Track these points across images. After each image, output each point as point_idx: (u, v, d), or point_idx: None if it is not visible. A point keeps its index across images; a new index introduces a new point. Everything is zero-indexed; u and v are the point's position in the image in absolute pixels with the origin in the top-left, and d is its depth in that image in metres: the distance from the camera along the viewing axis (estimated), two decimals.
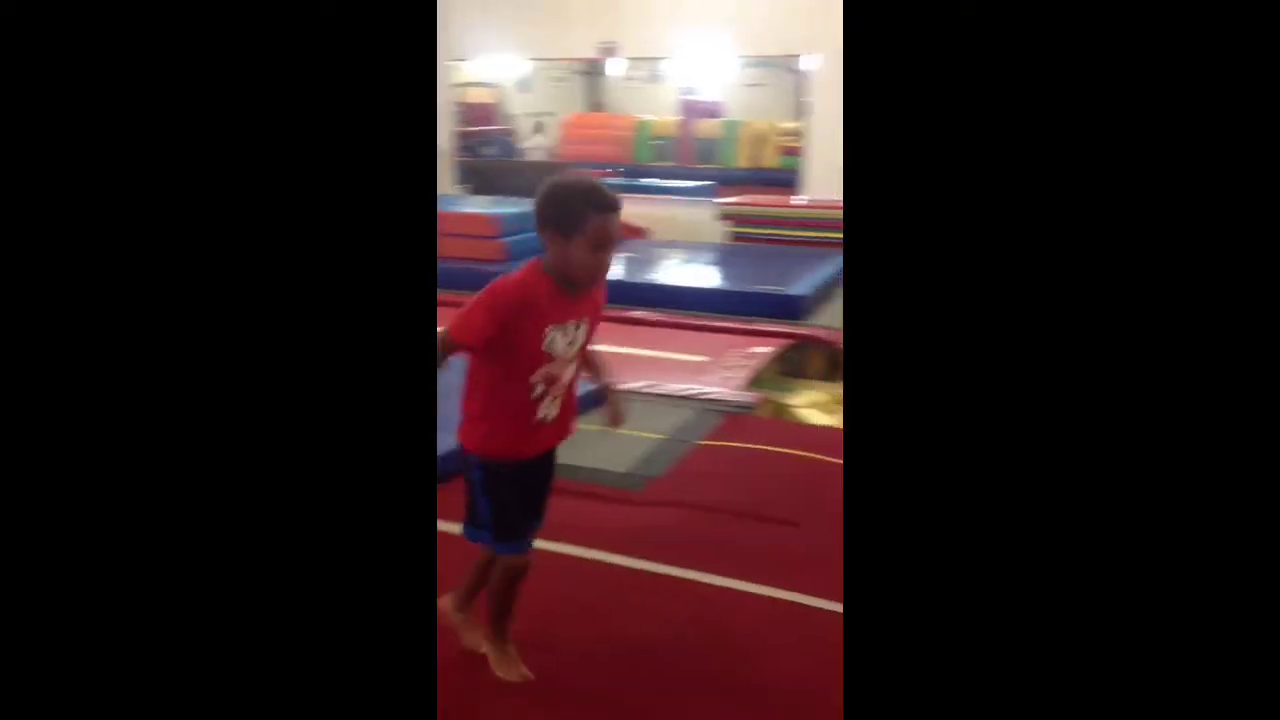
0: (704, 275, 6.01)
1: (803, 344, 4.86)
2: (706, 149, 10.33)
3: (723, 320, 4.91)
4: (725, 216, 7.51)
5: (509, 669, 1.84)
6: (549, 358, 1.62)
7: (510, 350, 1.59)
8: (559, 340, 1.62)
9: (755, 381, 4.07)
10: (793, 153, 8.30)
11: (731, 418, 3.56)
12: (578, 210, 1.55)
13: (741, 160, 10.00)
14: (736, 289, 5.51)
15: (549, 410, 1.68)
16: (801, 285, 5.33)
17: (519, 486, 1.71)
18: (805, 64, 7.63)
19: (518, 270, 1.62)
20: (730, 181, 8.77)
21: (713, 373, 4.04)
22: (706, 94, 10.92)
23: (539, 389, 1.64)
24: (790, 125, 8.80)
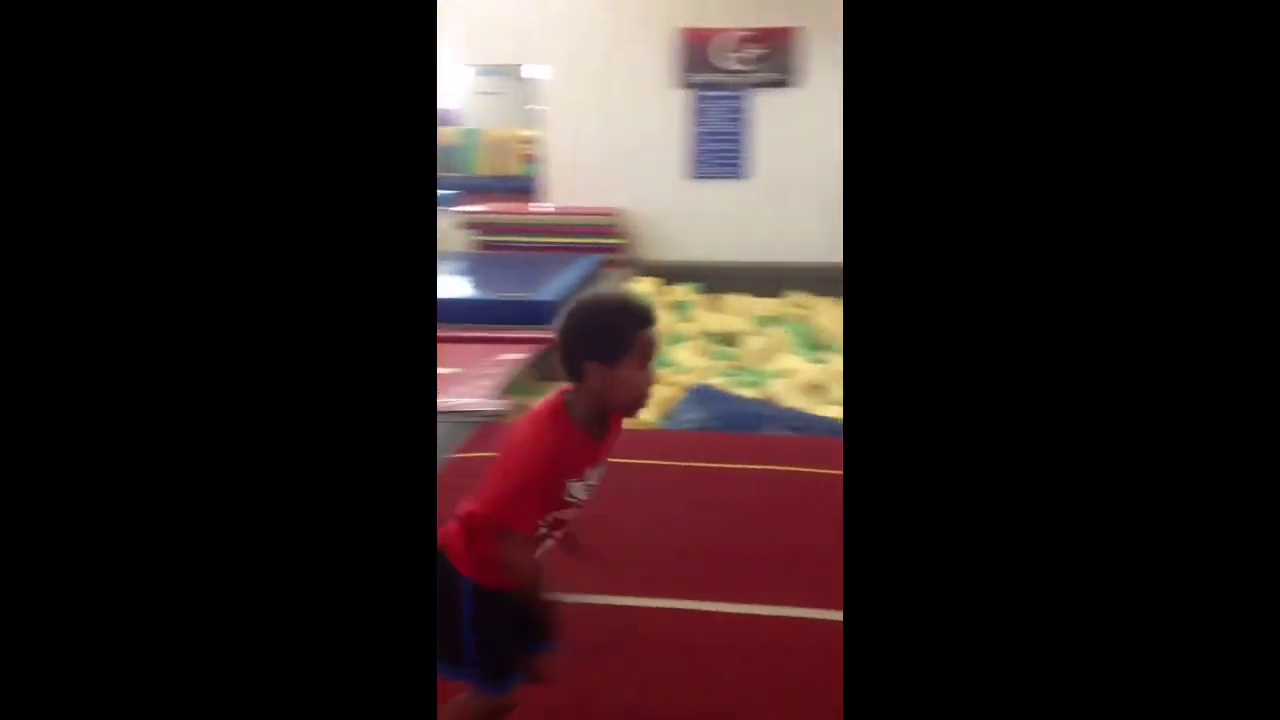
0: (451, 286, 5.91)
1: (554, 348, 4.91)
2: (447, 157, 10.17)
3: (473, 330, 4.85)
4: (469, 225, 7.44)
5: None
6: (565, 505, 1.46)
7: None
8: (578, 490, 1.46)
9: (506, 388, 4.06)
10: (534, 160, 8.37)
11: (484, 427, 3.53)
12: (623, 331, 1.40)
13: (484, 168, 9.93)
14: (485, 297, 5.47)
15: (545, 550, 1.51)
16: (549, 290, 5.39)
17: (512, 618, 1.51)
18: (529, 73, 7.72)
19: (540, 422, 1.45)
20: (475, 189, 8.69)
21: (465, 384, 3.98)
22: (440, 102, 10.76)
23: (543, 530, 1.47)
24: (528, 133, 8.86)
